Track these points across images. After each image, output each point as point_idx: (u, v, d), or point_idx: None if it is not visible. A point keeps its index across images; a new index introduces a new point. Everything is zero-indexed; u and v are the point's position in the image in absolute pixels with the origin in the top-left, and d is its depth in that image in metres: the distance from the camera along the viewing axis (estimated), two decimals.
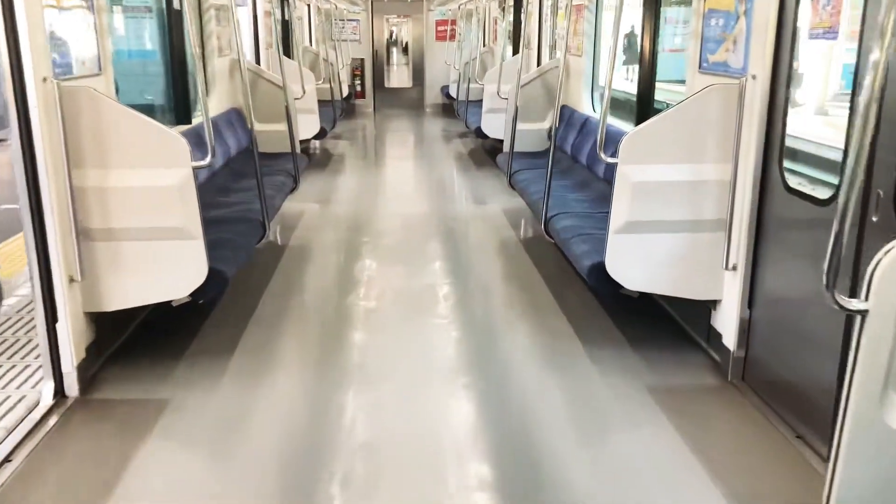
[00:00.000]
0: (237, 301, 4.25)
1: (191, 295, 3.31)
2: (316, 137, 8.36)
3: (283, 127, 6.14)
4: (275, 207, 4.93)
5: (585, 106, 5.97)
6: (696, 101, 3.29)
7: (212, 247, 3.32)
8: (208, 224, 3.33)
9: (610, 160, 3.35)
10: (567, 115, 6.29)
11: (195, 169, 3.17)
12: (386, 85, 14.91)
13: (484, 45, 13.14)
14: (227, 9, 6.24)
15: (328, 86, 10.58)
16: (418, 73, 14.81)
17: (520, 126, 6.59)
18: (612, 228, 3.39)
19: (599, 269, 3.49)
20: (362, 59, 14.48)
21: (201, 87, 3.42)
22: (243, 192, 4.96)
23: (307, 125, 8.11)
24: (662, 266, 3.43)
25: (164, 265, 3.22)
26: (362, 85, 14.61)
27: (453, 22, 14.03)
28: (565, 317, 4.10)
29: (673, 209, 3.33)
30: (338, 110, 10.09)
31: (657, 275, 3.45)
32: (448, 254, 5.38)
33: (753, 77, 3.08)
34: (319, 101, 9.37)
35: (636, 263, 3.43)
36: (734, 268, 3.26)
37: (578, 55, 6.19)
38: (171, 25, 5.32)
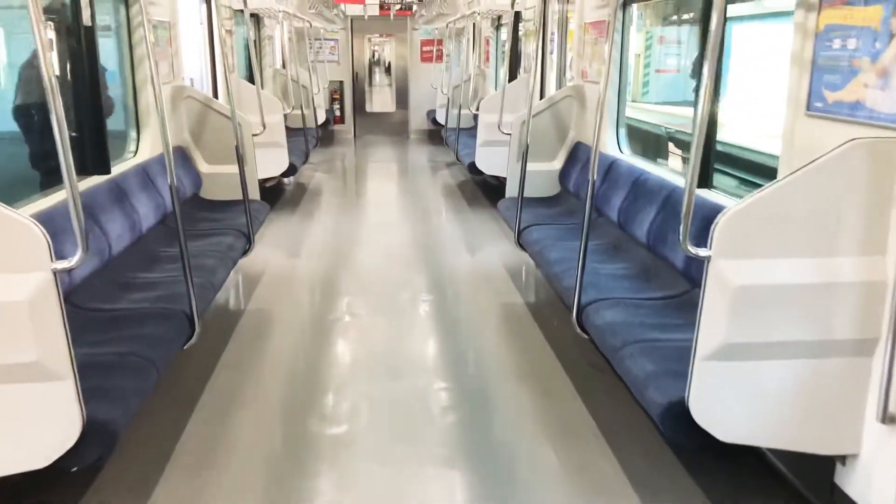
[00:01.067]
0: (143, 440, 2.97)
1: (58, 461, 2.20)
2: (285, 175, 7.20)
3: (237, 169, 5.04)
4: (213, 287, 3.73)
5: (610, 145, 4.87)
6: (828, 165, 2.17)
7: (102, 374, 2.43)
8: (107, 328, 2.70)
9: (700, 253, 2.22)
10: (583, 156, 5.20)
11: (58, 272, 2.08)
12: (367, 109, 13.80)
13: (474, 67, 12.10)
14: (167, 26, 5.12)
15: (303, 112, 9.50)
16: (402, 97, 13.72)
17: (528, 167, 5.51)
18: (699, 353, 2.26)
19: (679, 410, 2.35)
20: (341, 82, 13.38)
21: (62, 146, 2.10)
22: (175, 265, 3.63)
23: (273, 162, 6.97)
24: (774, 408, 2.31)
25: (16, 420, 2.16)
26: (341, 109, 13.50)
27: (440, 42, 12.99)
28: (615, 457, 2.92)
29: (793, 325, 2.22)
30: (311, 141, 8.95)
31: (766, 421, 2.32)
32: (442, 336, 4.22)
33: None
34: (292, 130, 8.25)
35: (735, 404, 2.30)
36: (892, 419, 2.12)
37: (596, 82, 5.12)
38: (81, 47, 4.07)
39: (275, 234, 6.51)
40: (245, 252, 4.49)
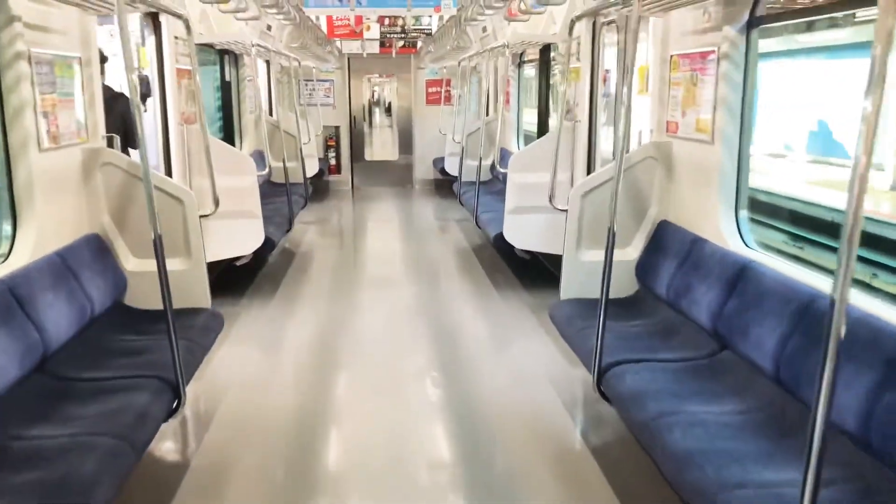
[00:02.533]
0: None
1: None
2: (261, 252, 5.60)
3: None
4: None
5: (729, 236, 3.25)
6: None
7: None
8: None
9: None
10: (673, 241, 3.60)
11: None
12: (366, 157, 12.28)
13: (489, 112, 10.59)
14: (76, 64, 3.56)
15: (294, 164, 7.98)
16: (406, 142, 12.21)
17: (585, 256, 3.92)
18: None
19: None
20: (337, 128, 11.88)
21: None
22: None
23: (243, 237, 5.40)
24: None
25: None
26: (337, 158, 11.97)
27: (448, 82, 11.53)
28: None
29: None
30: (298, 202, 7.38)
31: None
32: None
33: None
34: (278, 186, 6.70)
35: None
36: None
37: (696, 139, 3.54)
38: None
39: (241, 335, 4.88)
40: (172, 413, 2.86)
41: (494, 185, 8.55)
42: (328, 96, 11.73)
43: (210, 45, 6.34)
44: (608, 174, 3.86)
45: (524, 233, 5.62)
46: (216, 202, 4.21)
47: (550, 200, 4.32)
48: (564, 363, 4.28)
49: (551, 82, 7.08)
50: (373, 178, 12.23)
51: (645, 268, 3.85)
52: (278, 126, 8.62)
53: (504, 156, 8.33)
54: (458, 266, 6.89)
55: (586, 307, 3.70)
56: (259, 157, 8.35)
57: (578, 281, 3.89)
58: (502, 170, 5.57)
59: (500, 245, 5.73)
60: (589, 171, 5.34)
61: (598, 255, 3.89)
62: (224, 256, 5.46)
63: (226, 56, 7.36)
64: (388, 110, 27.01)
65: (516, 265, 6.44)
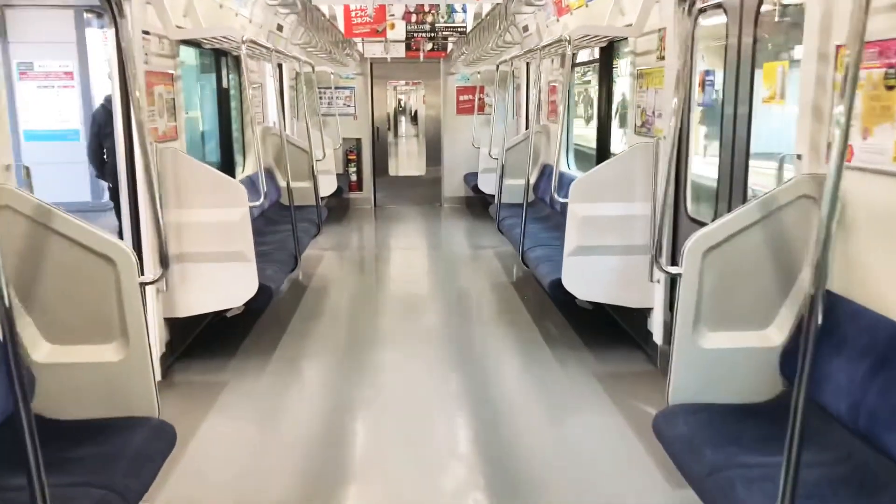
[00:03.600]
0: None
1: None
2: (253, 303, 4.42)
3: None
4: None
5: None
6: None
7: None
8: None
9: None
10: (840, 320, 2.36)
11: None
12: (390, 172, 11.12)
13: (528, 123, 9.37)
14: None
15: (306, 184, 6.90)
16: (434, 156, 11.04)
17: (706, 340, 2.68)
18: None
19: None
20: (358, 140, 10.75)
21: None
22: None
23: (234, 285, 4.28)
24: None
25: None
26: (358, 173, 10.83)
27: (482, 89, 10.34)
28: None
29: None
30: (309, 232, 6.24)
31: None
32: None
33: None
34: (286, 210, 5.59)
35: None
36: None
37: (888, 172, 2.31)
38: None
39: (224, 421, 3.71)
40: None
41: (539, 208, 7.32)
42: (348, 105, 10.60)
43: (194, 44, 5.21)
44: (741, 221, 2.62)
45: (589, 280, 4.40)
46: (163, 264, 3.06)
47: (657, 262, 3.01)
48: (661, 480, 3.04)
49: (613, 88, 5.84)
50: (397, 196, 11.07)
51: (788, 361, 2.60)
52: (289, 140, 7.52)
53: (550, 175, 7.11)
54: (498, 310, 5.67)
55: (713, 421, 2.47)
56: (268, 177, 7.23)
57: (697, 378, 2.65)
58: (561, 199, 4.35)
59: (558, 294, 4.50)
60: (678, 202, 4.11)
61: (725, 340, 2.66)
62: (203, 310, 4.33)
63: (223, 59, 6.24)
64: (415, 118, 25.96)
65: (573, 314, 5.20)
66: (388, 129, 16.52)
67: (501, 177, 6.76)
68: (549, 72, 7.61)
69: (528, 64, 8.87)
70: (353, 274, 7.11)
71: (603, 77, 5.80)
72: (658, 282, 4.28)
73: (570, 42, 4.45)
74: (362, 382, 4.25)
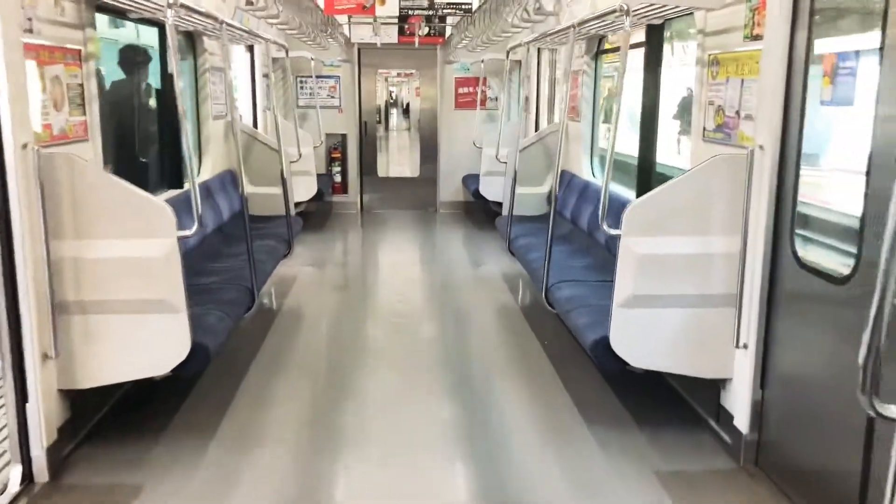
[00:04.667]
0: None
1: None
2: (183, 371, 3.20)
3: None
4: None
5: None
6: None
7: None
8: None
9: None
10: None
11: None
12: (379, 172, 9.88)
13: (538, 121, 8.17)
14: None
15: (275, 190, 5.76)
16: (429, 155, 9.80)
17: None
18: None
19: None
20: (343, 136, 9.51)
21: None
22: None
23: (158, 345, 3.09)
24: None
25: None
26: (343, 173, 9.60)
27: (484, 81, 9.12)
28: None
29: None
30: (269, 262, 4.97)
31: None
32: None
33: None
34: (254, 223, 4.40)
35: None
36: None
37: None
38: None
39: None
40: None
41: (557, 224, 6.12)
42: (332, 96, 9.36)
43: (114, 11, 3.96)
44: None
45: (648, 340, 3.22)
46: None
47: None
48: None
49: (658, 80, 4.63)
50: (387, 199, 9.84)
51: None
52: (256, 138, 6.28)
53: (571, 184, 5.92)
54: (510, 357, 4.47)
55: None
56: (231, 183, 6.00)
57: None
58: (612, 231, 3.14)
59: (605, 359, 3.30)
60: (778, 237, 2.93)
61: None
62: (112, 380, 3.14)
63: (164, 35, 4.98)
64: (406, 111, 24.61)
65: (618, 378, 4.00)
66: (379, 122, 15.27)
67: (514, 186, 5.56)
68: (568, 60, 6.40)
69: (539, 52, 7.67)
70: (331, 301, 5.88)
71: (650, 64, 4.59)
72: (744, 346, 3.10)
73: (627, 13, 3.23)
74: (339, 476, 3.06)
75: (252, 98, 7.62)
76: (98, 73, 8.43)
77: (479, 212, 9.23)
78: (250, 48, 7.49)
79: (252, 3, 5.92)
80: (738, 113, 3.24)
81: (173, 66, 3.31)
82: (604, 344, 3.27)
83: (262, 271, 4.58)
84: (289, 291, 5.97)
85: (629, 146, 5.13)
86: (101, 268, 3.01)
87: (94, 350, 3.07)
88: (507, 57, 6.35)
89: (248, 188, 6.28)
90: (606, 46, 5.74)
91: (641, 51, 4.73)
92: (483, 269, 6.91)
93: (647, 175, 4.62)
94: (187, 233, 3.06)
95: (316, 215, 9.12)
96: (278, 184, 5.58)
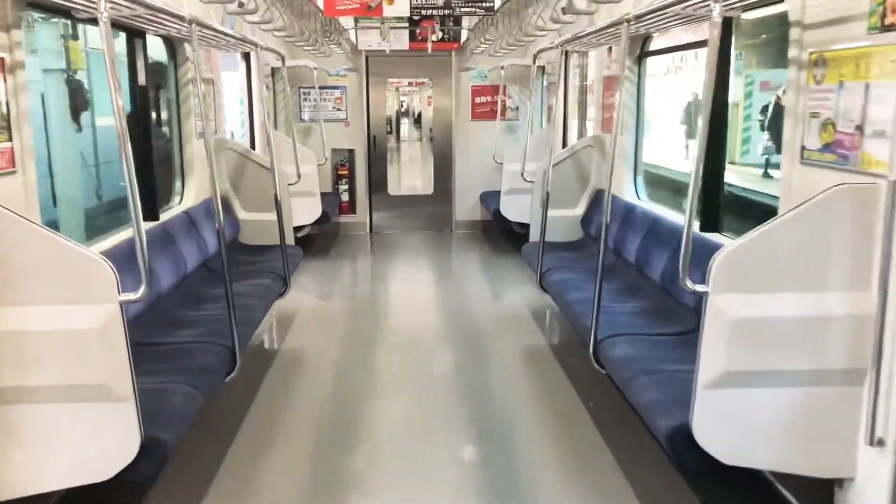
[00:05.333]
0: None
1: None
2: (131, 476, 2.44)
3: None
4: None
5: None
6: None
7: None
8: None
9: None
10: None
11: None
12: (390, 190, 9.13)
13: (566, 133, 7.39)
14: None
15: (268, 217, 5.06)
16: (443, 172, 9.03)
17: None
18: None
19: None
20: (351, 151, 8.77)
21: None
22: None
23: (104, 445, 2.33)
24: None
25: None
26: (350, 192, 8.86)
27: (503, 89, 8.36)
28: None
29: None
30: (261, 307, 4.16)
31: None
32: None
33: None
34: (241, 250, 3.68)
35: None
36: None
37: None
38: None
39: None
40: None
41: (586, 248, 5.37)
42: (339, 108, 8.62)
43: (53, 10, 3.21)
44: None
45: (743, 431, 2.42)
46: None
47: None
48: None
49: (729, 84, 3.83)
50: (398, 219, 9.07)
51: None
52: (249, 157, 5.56)
53: (612, 207, 5.13)
54: (548, 419, 3.68)
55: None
56: (224, 209, 5.26)
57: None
58: (696, 286, 2.35)
59: (685, 454, 2.51)
60: None
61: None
62: (35, 490, 2.40)
63: (137, 41, 4.23)
64: (418, 120, 23.87)
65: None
66: (389, 132, 14.56)
67: (545, 210, 4.76)
68: (621, 64, 5.62)
69: (566, 56, 6.90)
70: (336, 341, 5.10)
71: (722, 66, 3.80)
72: (879, 443, 2.30)
73: None
74: None
75: (249, 113, 6.90)
76: (79, 87, 7.63)
77: (498, 231, 8.46)
78: (246, 57, 6.78)
79: (242, 6, 5.20)
80: (859, 128, 2.45)
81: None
82: (683, 433, 2.48)
83: (250, 321, 3.81)
84: (289, 328, 5.24)
85: (664, 159, 4.34)
86: (20, 343, 2.27)
87: (12, 452, 2.32)
88: (534, 62, 5.59)
89: (242, 214, 5.57)
90: (650, 48, 4.96)
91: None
92: (506, 302, 6.12)
93: (713, 200, 3.82)
94: (132, 296, 2.30)
95: (321, 238, 8.38)
96: (270, 210, 4.85)
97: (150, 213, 4.19)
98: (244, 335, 3.52)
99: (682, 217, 4.24)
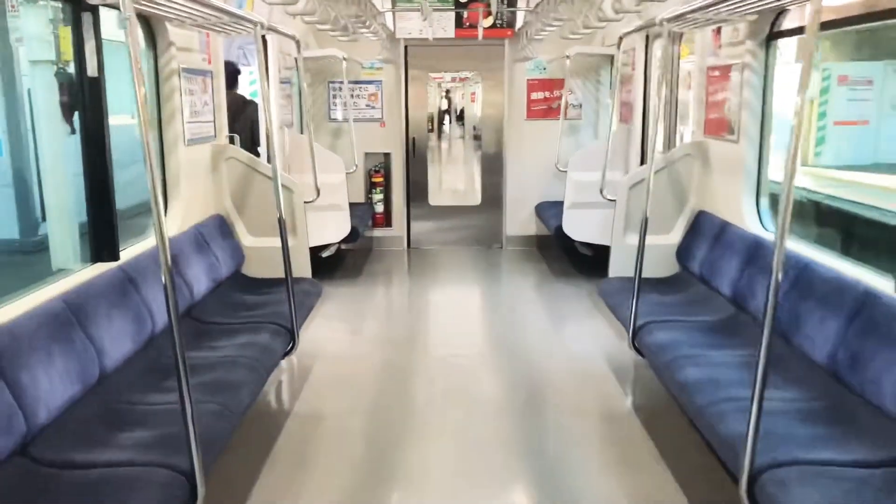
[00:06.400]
0: None
1: None
2: None
3: None
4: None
5: None
6: None
7: None
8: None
9: None
10: None
11: None
12: (431, 201, 7.96)
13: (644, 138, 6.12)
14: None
15: (270, 243, 3.99)
16: (492, 178, 7.83)
17: None
18: None
19: None
20: (387, 155, 7.65)
21: None
22: None
23: None
24: None
25: None
26: (386, 202, 7.73)
27: (560, 84, 7.14)
28: None
29: None
30: (244, 394, 3.01)
31: None
32: None
33: None
34: (245, 286, 2.75)
35: None
36: None
37: None
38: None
39: None
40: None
41: (685, 287, 4.12)
42: (373, 106, 7.50)
43: None
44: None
45: None
46: None
47: None
48: None
49: None
50: (440, 232, 7.91)
51: None
52: (255, 168, 4.47)
53: (710, 231, 3.88)
54: None
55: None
56: (219, 233, 4.18)
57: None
58: None
59: None
60: None
61: None
62: None
63: (85, 14, 3.12)
64: (461, 117, 22.58)
65: None
66: (431, 130, 13.39)
67: (642, 242, 3.53)
68: (706, 51, 4.35)
69: (648, 42, 5.65)
70: (363, 396, 3.96)
71: None
72: None
73: None
74: None
75: (267, 110, 5.80)
76: (71, 81, 6.33)
77: (555, 247, 7.26)
78: (264, 45, 5.68)
79: None
80: None
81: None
82: None
83: (226, 416, 2.65)
84: (306, 377, 4.13)
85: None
86: None
87: None
88: (619, 46, 4.36)
89: (247, 240, 4.47)
90: (783, 27, 3.68)
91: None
92: (574, 342, 4.91)
93: None
94: None
95: (353, 255, 7.28)
96: (275, 235, 3.73)
97: (109, 251, 3.10)
98: (213, 445, 2.39)
99: (847, 264, 3.00)
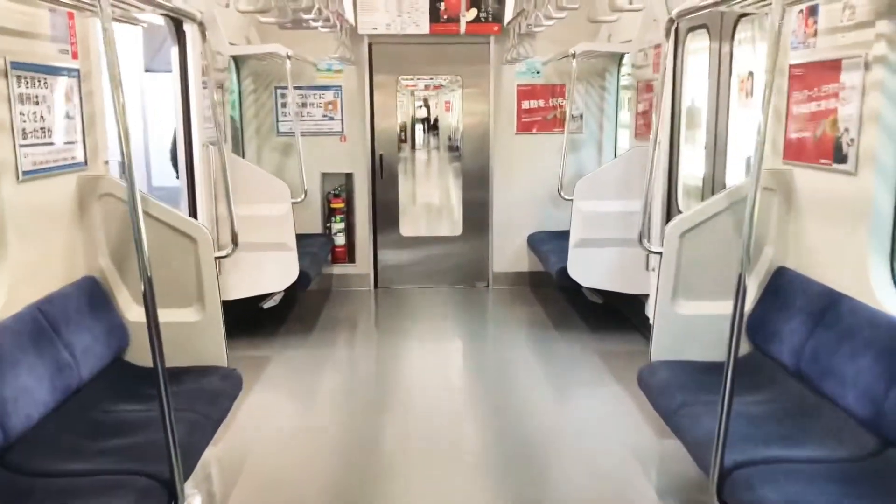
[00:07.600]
0: None
1: None
2: None
3: None
4: None
5: None
6: None
7: None
8: None
9: None
10: None
11: None
12: (401, 230, 6.60)
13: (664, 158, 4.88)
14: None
15: (197, 317, 2.52)
16: (476, 203, 6.50)
17: None
18: None
19: None
20: (348, 176, 6.32)
21: None
22: None
23: None
24: None
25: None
26: (348, 232, 6.40)
27: (561, 91, 5.90)
28: None
29: None
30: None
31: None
32: None
33: None
34: (134, 381, 2.08)
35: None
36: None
37: None
38: None
39: None
40: None
41: (763, 379, 2.84)
42: (331, 117, 6.17)
43: None
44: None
45: None
46: None
47: None
48: None
49: None
50: (413, 268, 6.58)
51: None
52: (148, 212, 3.04)
53: (796, 300, 2.63)
54: None
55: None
56: (88, 311, 2.83)
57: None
58: None
59: None
60: None
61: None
62: None
63: None
64: (434, 127, 21.20)
65: None
66: (403, 140, 12.01)
67: (736, 335, 2.25)
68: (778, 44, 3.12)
69: (676, 36, 4.41)
70: (311, 493, 2.64)
71: None
72: None
73: None
74: None
75: (184, 125, 4.43)
76: None
77: (549, 286, 6.00)
78: (180, 37, 4.33)
79: None
80: None
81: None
82: None
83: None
84: (239, 471, 2.81)
85: None
86: None
87: None
88: (669, 35, 3.08)
89: (132, 313, 3.12)
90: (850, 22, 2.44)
91: None
92: (585, 423, 3.63)
93: None
94: None
95: (309, 298, 5.93)
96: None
97: None
98: None
99: None
